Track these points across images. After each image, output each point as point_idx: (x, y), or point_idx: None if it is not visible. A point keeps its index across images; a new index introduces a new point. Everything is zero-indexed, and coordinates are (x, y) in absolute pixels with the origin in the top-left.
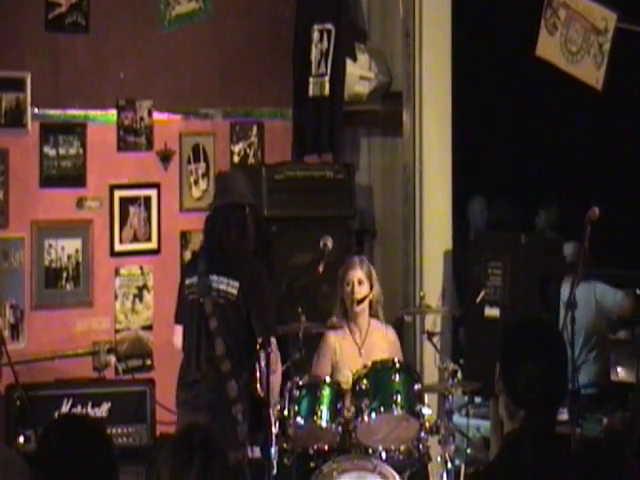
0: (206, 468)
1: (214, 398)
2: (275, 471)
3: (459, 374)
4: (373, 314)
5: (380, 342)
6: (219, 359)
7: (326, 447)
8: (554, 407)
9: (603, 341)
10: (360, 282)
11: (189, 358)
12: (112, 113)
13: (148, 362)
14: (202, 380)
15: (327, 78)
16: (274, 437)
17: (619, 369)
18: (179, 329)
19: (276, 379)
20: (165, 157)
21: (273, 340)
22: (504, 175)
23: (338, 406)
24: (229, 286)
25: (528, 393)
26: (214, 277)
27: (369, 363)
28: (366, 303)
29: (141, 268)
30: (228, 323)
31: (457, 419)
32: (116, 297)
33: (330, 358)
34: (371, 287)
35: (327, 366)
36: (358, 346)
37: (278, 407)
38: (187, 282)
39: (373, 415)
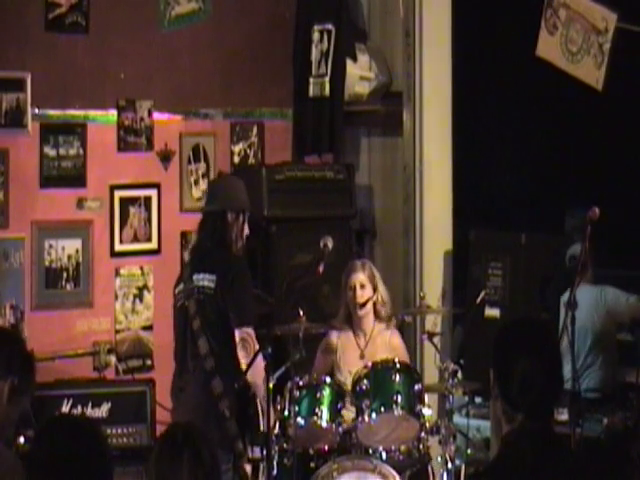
0: (195, 462)
1: (201, 397)
2: (275, 471)
3: (459, 374)
4: (378, 316)
5: (383, 348)
6: (203, 357)
7: (326, 447)
8: (551, 407)
9: (611, 346)
10: (362, 286)
11: (178, 363)
12: (112, 113)
13: (148, 362)
14: (189, 384)
15: (327, 78)
16: (274, 437)
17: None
18: None
19: (257, 371)
20: (165, 157)
21: (251, 331)
22: (504, 175)
23: (338, 406)
24: (207, 280)
25: (524, 396)
26: (195, 276)
27: (369, 364)
28: (369, 306)
29: (141, 268)
30: (209, 319)
31: (457, 419)
32: (116, 297)
33: (331, 356)
34: (374, 290)
35: (328, 364)
36: (360, 349)
37: (278, 405)
38: (176, 291)
39: (373, 415)
